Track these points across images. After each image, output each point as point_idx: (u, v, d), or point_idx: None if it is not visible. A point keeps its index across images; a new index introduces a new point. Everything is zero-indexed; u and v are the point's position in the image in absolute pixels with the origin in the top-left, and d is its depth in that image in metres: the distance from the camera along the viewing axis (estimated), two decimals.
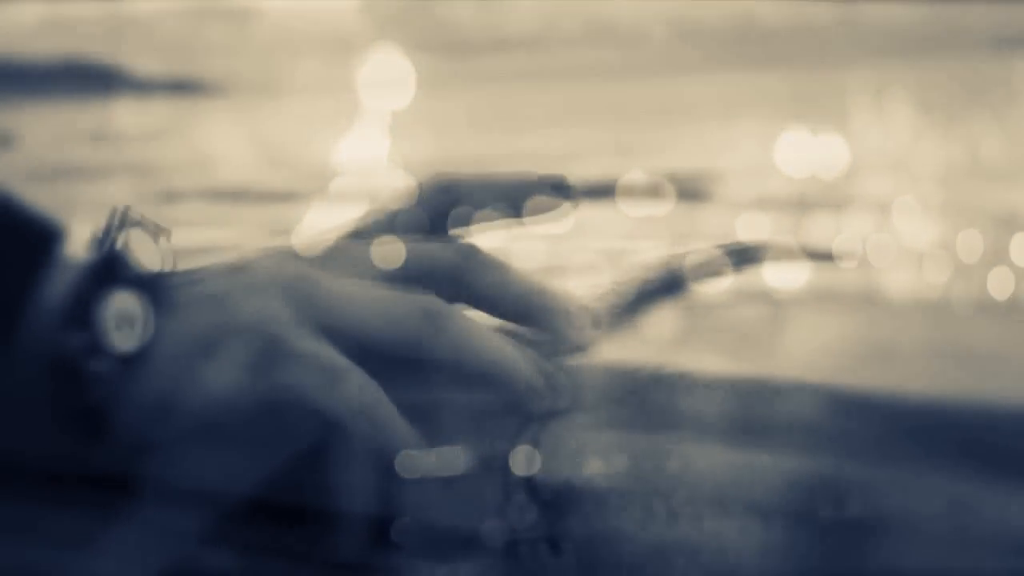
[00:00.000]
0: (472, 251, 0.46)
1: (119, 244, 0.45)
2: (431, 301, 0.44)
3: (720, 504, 0.41)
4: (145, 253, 0.46)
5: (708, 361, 0.43)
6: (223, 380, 0.44)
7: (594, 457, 0.42)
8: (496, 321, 0.47)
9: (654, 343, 0.44)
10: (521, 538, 0.42)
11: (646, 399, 0.42)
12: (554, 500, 0.41)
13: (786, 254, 0.55)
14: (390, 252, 0.46)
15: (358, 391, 0.43)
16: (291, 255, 0.46)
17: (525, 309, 0.46)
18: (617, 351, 0.44)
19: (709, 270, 0.51)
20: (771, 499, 0.40)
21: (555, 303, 0.46)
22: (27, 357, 0.42)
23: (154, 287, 0.45)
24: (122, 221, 0.46)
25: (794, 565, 0.39)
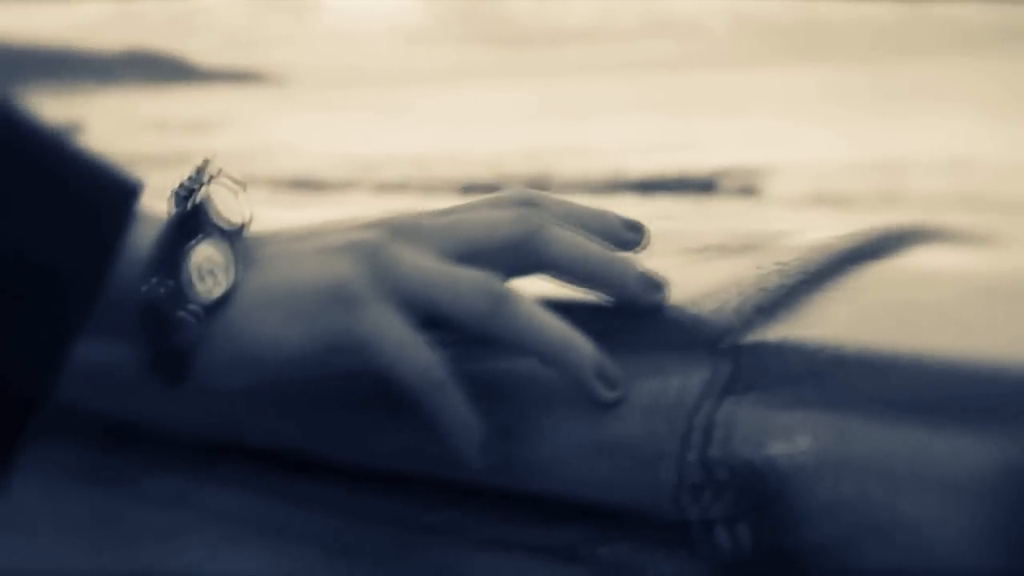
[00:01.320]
0: (540, 221, 0.47)
1: (201, 197, 0.47)
2: (494, 282, 0.45)
3: (915, 486, 0.37)
4: (226, 206, 0.47)
5: (888, 339, 0.41)
6: (299, 335, 0.45)
7: (777, 437, 0.39)
8: (569, 287, 0.47)
9: (831, 322, 0.43)
10: (698, 520, 0.40)
11: (829, 377, 0.40)
12: (734, 481, 0.40)
13: (935, 237, 0.53)
14: (460, 224, 0.47)
15: (431, 366, 0.45)
16: (367, 224, 0.47)
17: (595, 275, 0.47)
18: (796, 330, 0.42)
19: (870, 250, 0.49)
20: (969, 481, 0.37)
21: (625, 267, 0.46)
22: (115, 304, 0.45)
23: (236, 239, 0.47)
24: (204, 174, 0.47)
25: (993, 550, 0.36)
